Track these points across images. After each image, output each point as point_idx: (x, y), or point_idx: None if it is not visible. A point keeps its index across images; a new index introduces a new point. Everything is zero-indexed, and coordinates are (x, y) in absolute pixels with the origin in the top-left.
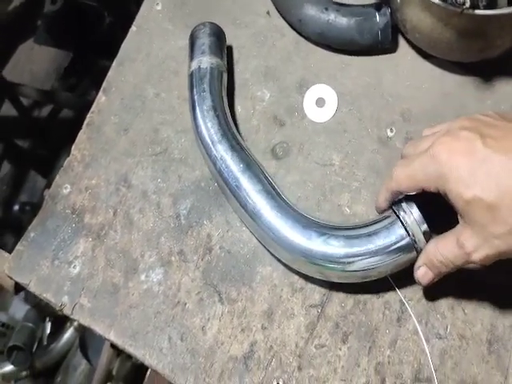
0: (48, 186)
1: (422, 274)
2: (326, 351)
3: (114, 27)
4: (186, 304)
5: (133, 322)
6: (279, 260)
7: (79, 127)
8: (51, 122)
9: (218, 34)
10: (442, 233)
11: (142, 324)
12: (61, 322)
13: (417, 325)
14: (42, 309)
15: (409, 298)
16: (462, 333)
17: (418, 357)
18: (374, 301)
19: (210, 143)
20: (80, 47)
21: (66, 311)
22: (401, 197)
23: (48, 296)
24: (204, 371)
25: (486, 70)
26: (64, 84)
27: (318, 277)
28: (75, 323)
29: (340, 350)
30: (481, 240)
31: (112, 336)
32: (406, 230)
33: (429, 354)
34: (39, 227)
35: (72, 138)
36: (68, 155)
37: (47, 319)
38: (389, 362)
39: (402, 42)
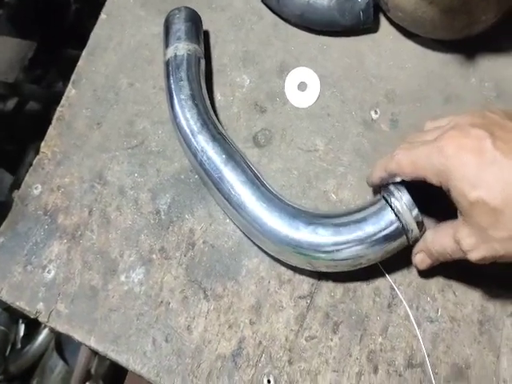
0: (16, 183)
1: (420, 260)
2: (316, 343)
3: (80, 14)
4: (169, 303)
5: (114, 326)
6: (266, 251)
7: (47, 120)
8: (17, 116)
9: (194, 19)
10: (433, 216)
11: (124, 327)
12: (35, 323)
13: (408, 310)
14: (14, 311)
15: (399, 282)
16: (453, 315)
17: (410, 342)
18: (363, 288)
19: (190, 134)
20: (45, 36)
21: (42, 319)
22: (390, 181)
23: (21, 304)
24: (191, 372)
25: (469, 47)
26: (29, 75)
27: (306, 267)
28: None
29: (331, 340)
30: (479, 241)
31: (92, 342)
32: (395, 215)
33: (421, 339)
34: (9, 231)
35: (39, 132)
36: (37, 152)
37: (20, 321)
38: (381, 350)
39: (383, 21)
